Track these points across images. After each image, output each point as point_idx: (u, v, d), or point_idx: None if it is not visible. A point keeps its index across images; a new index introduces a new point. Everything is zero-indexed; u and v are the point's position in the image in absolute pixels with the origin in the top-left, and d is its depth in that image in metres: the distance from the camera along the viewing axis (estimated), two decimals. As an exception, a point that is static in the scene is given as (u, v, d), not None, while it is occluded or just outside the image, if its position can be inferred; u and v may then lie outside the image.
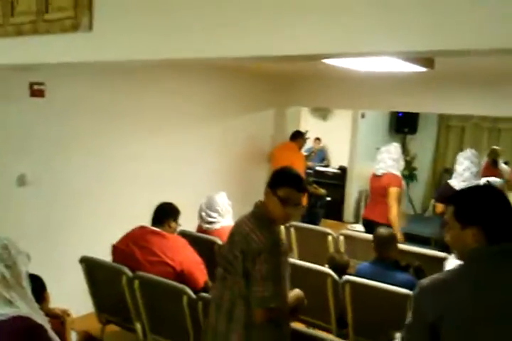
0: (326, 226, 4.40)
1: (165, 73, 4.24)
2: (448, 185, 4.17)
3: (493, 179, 3.67)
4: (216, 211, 3.58)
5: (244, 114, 5.29)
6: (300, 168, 5.13)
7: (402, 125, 7.84)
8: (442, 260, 3.36)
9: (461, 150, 7.86)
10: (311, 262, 3.06)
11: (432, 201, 6.79)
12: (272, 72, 5.00)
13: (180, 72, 4.36)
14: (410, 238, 4.79)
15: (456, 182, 4.08)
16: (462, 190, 1.55)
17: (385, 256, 2.94)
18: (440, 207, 4.12)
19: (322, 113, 8.51)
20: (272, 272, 1.84)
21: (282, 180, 1.96)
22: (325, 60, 2.81)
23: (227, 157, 5.10)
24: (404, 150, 8.03)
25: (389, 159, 4.30)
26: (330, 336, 2.79)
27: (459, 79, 4.32)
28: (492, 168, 5.33)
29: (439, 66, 3.40)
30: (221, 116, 4.99)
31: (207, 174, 4.84)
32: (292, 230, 4.05)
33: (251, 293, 1.87)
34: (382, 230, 3.00)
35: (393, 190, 4.16)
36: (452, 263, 2.99)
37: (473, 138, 7.90)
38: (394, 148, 4.39)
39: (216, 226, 3.56)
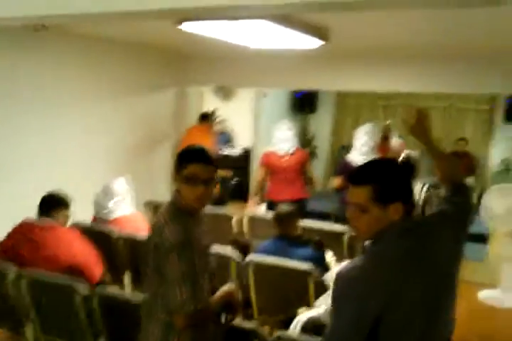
0: (232, 208, 4.36)
1: (63, 44, 3.96)
2: (346, 161, 4.28)
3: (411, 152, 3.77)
4: (113, 198, 3.36)
5: (146, 93, 5.06)
6: (210, 147, 5.03)
7: (303, 104, 7.97)
8: (341, 234, 3.45)
9: (357, 127, 8.27)
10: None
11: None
12: (169, 48, 4.80)
13: (81, 44, 4.09)
14: (312, 214, 4.90)
15: (355, 157, 4.19)
16: (371, 169, 1.44)
17: (286, 232, 2.93)
18: (339, 182, 4.22)
19: (225, 93, 8.39)
20: (188, 272, 1.65)
21: (185, 157, 1.76)
22: (182, 27, 2.70)
23: (129, 138, 4.85)
24: (305, 129, 8.23)
25: (293, 136, 4.39)
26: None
27: (356, 56, 4.41)
28: (383, 144, 5.54)
29: (336, 41, 3.43)
30: (121, 93, 4.72)
31: (106, 157, 4.57)
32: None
33: (168, 295, 1.67)
34: (283, 206, 2.99)
35: (310, 164, 4.43)
36: None
37: (369, 115, 8.22)
38: (288, 126, 4.47)
39: (113, 215, 3.35)
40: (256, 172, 4.66)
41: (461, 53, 3.96)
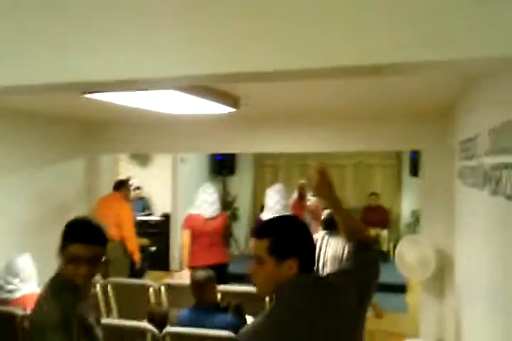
0: (152, 279, 4.18)
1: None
2: (260, 220, 4.32)
3: None
4: (17, 276, 3.13)
5: (54, 164, 4.86)
6: (127, 220, 4.88)
7: (222, 167, 8.05)
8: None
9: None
10: (133, 319, 2.81)
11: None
12: (79, 116, 4.72)
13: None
14: (234, 277, 4.80)
15: (268, 216, 4.22)
16: (272, 223, 1.51)
17: (204, 300, 2.82)
18: (252, 243, 4.21)
19: (141, 159, 8.31)
20: None
21: (68, 236, 1.67)
22: (88, 95, 2.69)
23: (35, 211, 4.57)
24: (226, 191, 8.27)
25: (217, 199, 4.42)
26: None
27: (270, 118, 4.57)
28: (299, 202, 5.67)
29: (249, 106, 3.55)
30: (26, 165, 4.49)
31: (10, 232, 4.26)
32: (110, 288, 3.72)
33: None
34: (199, 273, 2.90)
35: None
36: None
37: (286, 174, 8.46)
38: (213, 189, 4.50)
39: (17, 294, 3.10)
40: (182, 237, 4.56)
41: (367, 115, 4.24)
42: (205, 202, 4.41)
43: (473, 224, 2.60)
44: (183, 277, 4.32)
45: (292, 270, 1.37)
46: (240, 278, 4.46)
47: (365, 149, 5.72)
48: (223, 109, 3.42)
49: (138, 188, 7.89)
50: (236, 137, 4.92)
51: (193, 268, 4.29)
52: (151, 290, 3.62)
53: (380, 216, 6.71)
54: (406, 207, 7.65)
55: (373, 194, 7.18)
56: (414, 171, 6.71)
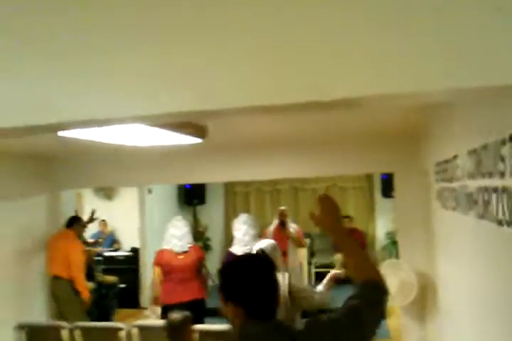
0: (121, 317, 3.92)
1: None
2: (230, 253, 4.16)
3: (265, 243, 3.62)
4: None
5: (12, 202, 4.57)
6: (77, 259, 4.58)
7: (191, 196, 7.85)
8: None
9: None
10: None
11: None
12: (37, 152, 4.48)
13: None
14: (213, 312, 4.57)
15: (238, 248, 4.10)
16: (225, 265, 1.47)
17: (181, 344, 2.61)
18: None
19: (106, 192, 8.04)
20: None
21: None
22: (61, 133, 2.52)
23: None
24: (197, 221, 8.05)
25: (187, 233, 4.26)
26: None
27: (239, 147, 4.46)
28: (281, 229, 5.54)
29: (215, 136, 3.43)
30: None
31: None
32: (77, 333, 3.45)
33: None
34: (174, 315, 2.69)
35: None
36: None
37: (258, 201, 8.32)
38: (183, 222, 4.35)
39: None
40: (154, 274, 4.34)
41: (337, 139, 4.20)
42: (174, 237, 4.24)
43: (458, 248, 2.51)
44: (153, 315, 4.11)
45: (234, 314, 1.32)
46: (218, 313, 4.24)
47: (337, 173, 5.67)
48: (190, 140, 3.30)
49: (104, 222, 7.59)
50: (204, 166, 4.78)
51: (166, 305, 4.09)
52: (122, 333, 3.37)
53: (356, 239, 6.62)
54: (380, 229, 7.60)
55: (346, 217, 7.11)
56: (387, 192, 6.68)
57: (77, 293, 4.49)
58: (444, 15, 0.97)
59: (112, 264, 6.57)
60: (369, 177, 7.71)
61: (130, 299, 6.37)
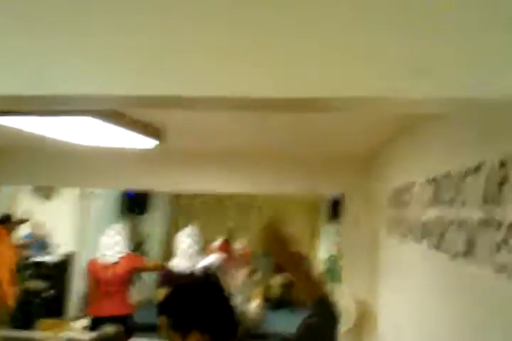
0: (43, 328, 3.66)
1: None
2: (168, 271, 4.00)
3: (210, 261, 3.54)
4: None
5: None
6: (6, 259, 4.30)
7: (134, 204, 7.60)
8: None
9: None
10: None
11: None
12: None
13: None
14: (141, 326, 4.35)
15: (180, 262, 3.96)
16: (170, 298, 1.39)
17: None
18: (162, 294, 3.88)
19: (45, 192, 7.62)
20: None
21: None
22: None
23: None
24: (136, 232, 7.77)
25: (121, 242, 4.04)
26: None
27: (190, 157, 4.33)
28: (226, 246, 5.44)
29: (172, 142, 3.31)
30: None
31: None
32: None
33: None
34: (108, 329, 2.51)
35: (149, 263, 4.12)
36: None
37: (202, 215, 8.15)
38: (122, 229, 4.14)
39: None
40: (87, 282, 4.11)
41: (288, 157, 4.16)
42: (104, 246, 4.02)
43: (405, 275, 2.49)
44: (79, 327, 3.87)
45: None
46: (150, 329, 4.03)
47: (285, 192, 5.62)
48: (144, 142, 3.15)
49: (37, 224, 7.15)
50: (151, 175, 4.60)
51: (94, 318, 3.87)
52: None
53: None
54: (322, 252, 7.59)
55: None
56: (332, 216, 6.72)
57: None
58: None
59: (41, 270, 6.18)
60: (314, 201, 7.75)
61: (55, 308, 5.99)
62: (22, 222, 4.71)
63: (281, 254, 1.51)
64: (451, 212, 1.69)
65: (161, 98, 1.06)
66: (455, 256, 1.61)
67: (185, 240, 4.07)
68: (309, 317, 1.41)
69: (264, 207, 7.97)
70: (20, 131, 2.84)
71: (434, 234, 1.89)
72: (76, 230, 6.81)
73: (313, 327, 1.40)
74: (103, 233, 4.18)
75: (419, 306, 2.12)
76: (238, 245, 5.54)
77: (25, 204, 6.36)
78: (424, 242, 2.02)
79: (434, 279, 1.94)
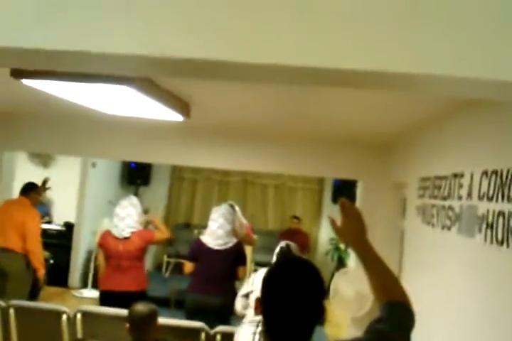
0: (47, 295, 3.60)
1: None
2: (200, 241, 3.87)
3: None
4: None
5: None
6: (34, 229, 4.24)
7: (135, 176, 7.48)
8: (197, 331, 3.02)
9: (193, 203, 8.00)
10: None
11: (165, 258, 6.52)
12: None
13: None
14: (151, 300, 4.32)
15: (210, 240, 3.81)
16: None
17: (144, 339, 2.37)
18: (189, 267, 3.82)
19: (43, 159, 7.45)
20: None
21: None
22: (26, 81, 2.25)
23: None
24: (137, 203, 7.66)
25: (130, 214, 3.83)
26: None
27: (213, 134, 4.23)
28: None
29: (195, 118, 3.21)
30: None
31: None
32: (12, 311, 3.08)
33: None
34: (141, 307, 2.42)
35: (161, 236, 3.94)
36: None
37: (205, 190, 8.08)
38: (129, 201, 3.96)
39: None
40: (98, 254, 4.04)
41: (308, 139, 4.10)
42: (116, 216, 3.82)
43: (440, 264, 2.48)
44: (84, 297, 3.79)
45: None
46: (156, 302, 4.02)
47: (301, 173, 5.57)
48: (173, 116, 3.06)
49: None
50: (155, 147, 4.49)
51: (103, 292, 3.81)
52: (64, 317, 3.05)
53: (299, 240, 6.55)
54: (325, 233, 7.60)
55: (295, 217, 7.06)
56: (337, 198, 6.69)
57: (29, 270, 4.14)
58: None
59: (42, 238, 6.09)
60: (320, 181, 7.70)
61: (59, 276, 5.94)
62: (43, 191, 4.59)
63: (356, 242, 1.40)
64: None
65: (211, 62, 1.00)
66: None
67: (217, 219, 3.78)
68: (379, 321, 1.30)
69: (268, 185, 7.93)
70: (48, 96, 2.71)
71: (494, 228, 1.85)
72: (78, 200, 6.70)
73: (382, 334, 1.28)
74: (109, 202, 4.03)
75: (454, 291, 2.12)
76: (240, 224, 5.43)
77: (22, 170, 6.19)
78: (478, 236, 1.99)
79: (483, 272, 1.93)
